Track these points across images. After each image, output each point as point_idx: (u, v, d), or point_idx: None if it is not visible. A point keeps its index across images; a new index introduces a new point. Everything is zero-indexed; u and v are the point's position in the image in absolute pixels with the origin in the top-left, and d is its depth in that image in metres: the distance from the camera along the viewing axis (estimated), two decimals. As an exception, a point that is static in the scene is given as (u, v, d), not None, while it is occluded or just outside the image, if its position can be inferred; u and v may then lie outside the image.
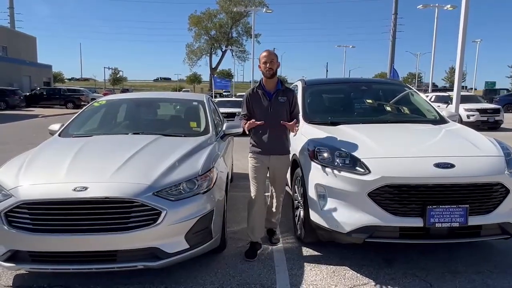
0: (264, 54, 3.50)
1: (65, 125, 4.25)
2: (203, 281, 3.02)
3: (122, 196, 2.69)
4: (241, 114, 3.68)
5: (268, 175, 3.64)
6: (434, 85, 28.40)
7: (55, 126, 4.27)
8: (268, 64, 3.44)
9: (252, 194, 3.55)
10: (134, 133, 4.01)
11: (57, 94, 29.35)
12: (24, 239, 2.66)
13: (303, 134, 3.98)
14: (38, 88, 31.67)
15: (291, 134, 3.61)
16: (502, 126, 15.85)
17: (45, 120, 17.88)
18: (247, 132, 3.61)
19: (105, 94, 30.46)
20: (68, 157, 3.17)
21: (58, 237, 2.65)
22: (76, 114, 4.56)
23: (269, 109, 3.48)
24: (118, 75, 78.64)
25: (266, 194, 3.72)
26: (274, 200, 3.75)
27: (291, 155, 4.08)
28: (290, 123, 3.42)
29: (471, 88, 51.69)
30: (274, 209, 3.77)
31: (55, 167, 3.04)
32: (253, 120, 3.43)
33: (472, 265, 3.28)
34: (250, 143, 3.61)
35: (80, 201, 2.67)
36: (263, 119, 3.45)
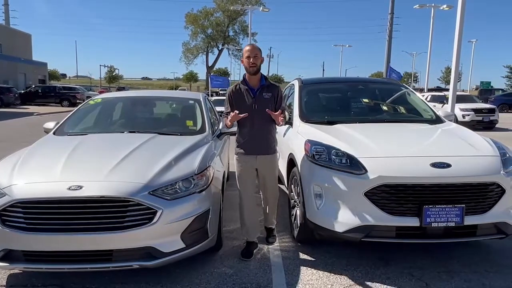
0: (248, 48, 3.34)
1: (60, 123, 4.22)
2: (199, 281, 3.01)
3: (118, 195, 2.67)
4: (224, 112, 3.55)
5: (257, 176, 3.54)
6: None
7: (50, 124, 4.23)
8: (251, 59, 3.29)
9: (241, 196, 3.50)
10: (130, 132, 3.98)
11: (52, 92, 29.17)
12: (18, 238, 2.63)
13: (300, 133, 3.97)
14: (33, 86, 31.45)
15: (288, 131, 3.53)
16: (497, 126, 15.94)
17: (40, 118, 17.76)
18: (228, 125, 3.44)
19: (100, 92, 30.35)
20: (63, 156, 3.14)
21: (53, 236, 2.62)
22: (71, 112, 4.52)
23: (253, 106, 3.34)
24: (114, 73, 78.29)
25: (259, 194, 3.69)
26: (268, 206, 3.66)
27: (287, 154, 4.08)
28: (276, 113, 3.26)
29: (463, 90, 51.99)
30: (269, 212, 3.70)
31: (50, 166, 3.01)
32: (236, 112, 3.25)
33: (468, 265, 3.29)
34: (236, 144, 3.52)
35: (75, 200, 2.64)
36: (248, 116, 3.33)
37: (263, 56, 3.41)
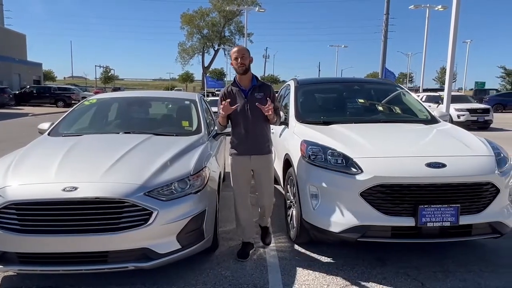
0: (235, 49, 3.33)
1: (54, 124, 4.19)
2: (195, 282, 3.00)
3: (113, 196, 2.65)
4: (217, 113, 3.51)
5: (252, 177, 3.51)
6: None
7: (45, 125, 4.20)
8: (239, 60, 3.26)
9: (235, 197, 3.48)
10: (125, 132, 3.97)
11: (47, 93, 28.97)
12: (12, 240, 2.61)
13: (296, 133, 3.97)
14: (28, 87, 31.25)
15: (284, 131, 3.49)
16: (491, 126, 16.04)
17: (35, 119, 17.66)
18: (221, 121, 3.38)
19: (96, 93, 30.21)
20: (58, 157, 3.12)
21: (47, 238, 2.60)
22: (66, 113, 4.50)
23: (246, 106, 3.32)
24: (109, 74, 77.97)
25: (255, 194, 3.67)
26: (265, 208, 3.57)
27: (283, 155, 4.08)
28: (264, 106, 3.19)
29: (460, 88, 52.25)
30: (265, 215, 3.63)
31: (44, 167, 2.99)
32: (227, 102, 3.22)
33: (464, 264, 3.30)
34: (230, 145, 3.50)
35: (69, 202, 2.62)
36: (240, 118, 3.33)
37: (251, 56, 3.37)
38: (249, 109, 3.32)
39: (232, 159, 3.47)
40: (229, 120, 3.46)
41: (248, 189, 3.53)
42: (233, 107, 3.26)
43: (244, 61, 3.30)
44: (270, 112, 3.22)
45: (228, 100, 3.27)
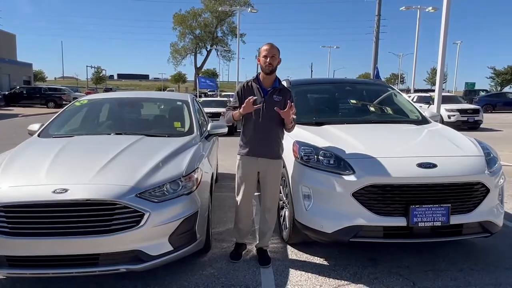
0: (265, 47, 3.21)
1: (45, 125, 4.14)
2: (187, 283, 2.99)
3: (104, 198, 2.63)
4: (230, 105, 3.38)
5: (258, 182, 3.41)
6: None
7: (35, 126, 4.15)
8: (268, 59, 3.17)
9: (238, 198, 3.39)
10: (117, 133, 3.94)
11: (38, 93, 28.64)
12: (1, 243, 2.57)
13: (288, 134, 3.98)
14: (18, 87, 30.88)
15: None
16: (481, 126, 16.23)
17: (25, 120, 17.46)
18: (237, 116, 3.26)
19: (87, 93, 29.96)
20: (48, 158, 3.09)
21: (38, 240, 2.57)
22: (57, 114, 4.45)
23: (263, 106, 3.20)
24: (101, 74, 77.40)
25: (257, 193, 3.62)
26: (267, 219, 3.39)
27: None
28: (285, 110, 3.10)
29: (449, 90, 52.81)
30: (267, 235, 3.41)
31: (34, 169, 2.96)
32: (253, 98, 3.09)
33: (455, 263, 3.33)
34: (239, 144, 3.39)
35: (60, 204, 2.59)
36: (254, 117, 3.21)
37: (280, 57, 3.28)
38: (265, 109, 3.19)
39: (239, 159, 3.35)
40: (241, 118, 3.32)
41: (252, 192, 3.41)
42: (256, 106, 3.13)
43: (273, 62, 3.20)
44: (291, 116, 3.13)
45: (255, 97, 3.14)
